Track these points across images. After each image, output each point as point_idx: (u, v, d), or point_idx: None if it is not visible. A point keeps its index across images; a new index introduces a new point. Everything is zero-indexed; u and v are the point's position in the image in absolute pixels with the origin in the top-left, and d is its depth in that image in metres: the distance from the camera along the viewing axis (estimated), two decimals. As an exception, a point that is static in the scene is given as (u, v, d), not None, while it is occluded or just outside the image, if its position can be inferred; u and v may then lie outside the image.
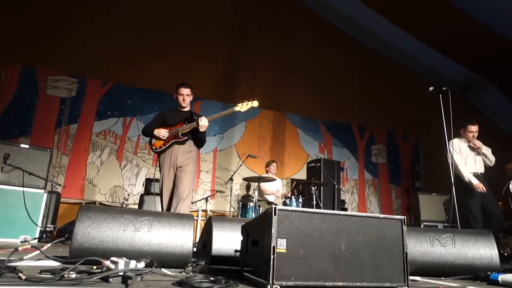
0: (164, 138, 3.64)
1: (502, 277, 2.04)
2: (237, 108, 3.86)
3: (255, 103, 3.90)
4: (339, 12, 6.99)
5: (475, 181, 4.16)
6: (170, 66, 6.55)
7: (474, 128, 4.37)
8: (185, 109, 3.86)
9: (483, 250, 2.40)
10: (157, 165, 3.79)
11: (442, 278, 2.29)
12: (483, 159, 4.47)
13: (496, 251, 2.41)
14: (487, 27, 5.99)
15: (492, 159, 4.44)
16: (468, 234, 2.49)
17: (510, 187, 5.01)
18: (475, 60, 6.82)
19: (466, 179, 4.19)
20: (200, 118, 3.60)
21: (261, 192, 5.88)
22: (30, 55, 5.79)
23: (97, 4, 6.28)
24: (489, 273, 2.13)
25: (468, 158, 4.40)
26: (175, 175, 3.63)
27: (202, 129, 3.64)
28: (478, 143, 4.36)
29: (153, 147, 3.71)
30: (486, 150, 4.42)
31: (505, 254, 4.53)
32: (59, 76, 6.15)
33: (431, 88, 3.79)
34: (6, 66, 5.78)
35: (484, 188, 4.11)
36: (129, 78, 6.45)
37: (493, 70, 6.78)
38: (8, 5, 5.72)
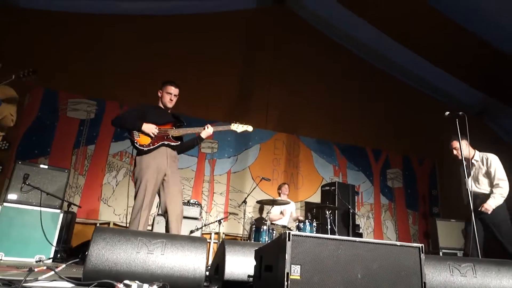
0: (153, 136, 3.27)
1: (527, 311, 1.95)
2: (232, 127, 3.69)
3: (250, 128, 3.75)
4: (354, 38, 7.09)
5: None
6: (185, 89, 6.64)
7: (453, 145, 4.11)
8: (169, 111, 3.58)
9: (506, 281, 2.30)
10: (133, 165, 3.31)
11: (463, 309, 2.20)
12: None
13: (520, 282, 2.31)
14: (501, 50, 5.96)
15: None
16: (489, 264, 2.39)
17: None
18: (492, 84, 6.75)
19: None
20: (206, 126, 3.50)
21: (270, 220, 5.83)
22: (52, 78, 6.00)
23: (115, 28, 6.54)
24: (513, 306, 2.04)
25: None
26: (162, 182, 3.25)
27: (204, 136, 3.47)
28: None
29: (138, 144, 3.23)
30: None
31: None
32: (79, 99, 6.35)
33: (447, 113, 3.75)
34: (30, 89, 6.01)
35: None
36: (146, 101, 6.57)
37: (509, 93, 6.69)
38: (30, 30, 6.02)
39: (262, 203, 5.80)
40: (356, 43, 7.46)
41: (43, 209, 4.09)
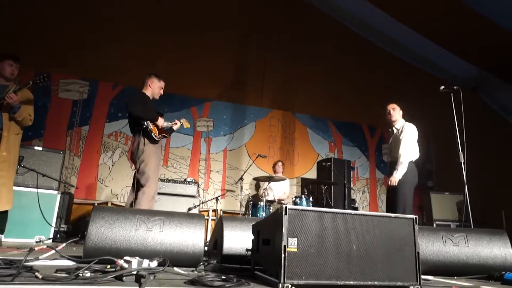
0: (159, 129, 3.60)
1: (517, 277, 2.01)
2: (184, 125, 4.00)
3: (188, 125, 4.13)
4: (350, 13, 6.95)
5: None
6: (179, 67, 6.59)
7: (388, 106, 4.38)
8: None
9: (496, 250, 2.37)
10: (138, 152, 3.46)
11: (455, 277, 2.27)
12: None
13: (511, 251, 2.38)
14: (497, 24, 5.89)
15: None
16: (481, 233, 2.46)
17: None
18: (488, 58, 6.72)
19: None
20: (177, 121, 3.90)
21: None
22: (43, 60, 5.87)
23: (107, 9, 6.35)
24: (503, 272, 2.10)
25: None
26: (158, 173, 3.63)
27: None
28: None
29: (154, 134, 3.49)
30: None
31: None
32: (71, 79, 6.26)
33: (442, 87, 3.76)
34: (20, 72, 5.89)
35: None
36: (139, 80, 6.49)
37: (505, 68, 6.67)
38: (20, 12, 5.83)
39: (258, 180, 5.84)
40: (352, 19, 7.32)
41: (40, 190, 4.09)
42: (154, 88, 3.75)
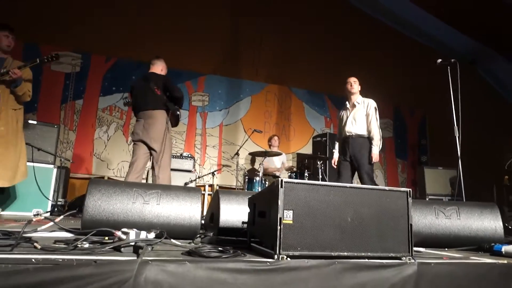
0: None
1: (505, 248, 2.07)
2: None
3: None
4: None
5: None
6: (173, 40, 6.46)
7: (350, 79, 4.36)
8: None
9: (487, 222, 2.43)
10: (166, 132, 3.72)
11: (446, 249, 2.33)
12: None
13: (501, 223, 2.43)
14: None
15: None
16: (473, 207, 2.50)
17: None
18: (485, 32, 6.63)
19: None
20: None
21: (265, 170, 5.93)
22: (31, 32, 5.72)
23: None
24: (492, 244, 2.16)
25: (344, 122, 4.30)
26: None
27: None
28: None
29: (180, 116, 3.88)
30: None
31: (510, 227, 4.57)
32: (62, 52, 6.11)
33: (439, 60, 3.73)
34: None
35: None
36: (133, 53, 6.39)
37: (502, 41, 6.60)
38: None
39: (254, 155, 5.86)
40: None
41: (36, 164, 4.09)
42: (164, 71, 4.06)
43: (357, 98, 4.25)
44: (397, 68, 7.90)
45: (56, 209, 4.32)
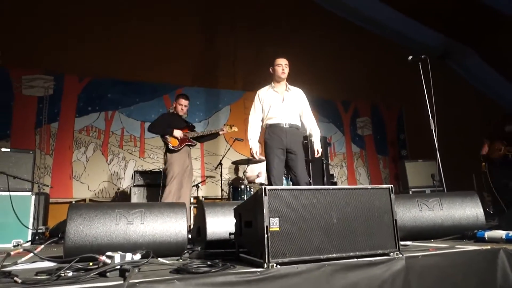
0: (179, 139, 4.27)
1: (488, 234, 2.13)
2: (225, 129, 4.64)
3: (235, 129, 4.70)
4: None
5: (251, 145, 3.66)
6: (148, 55, 6.41)
7: (282, 61, 3.72)
8: (183, 116, 4.60)
9: (469, 210, 2.49)
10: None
11: (432, 240, 2.37)
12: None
13: (481, 210, 2.50)
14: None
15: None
16: (454, 196, 2.57)
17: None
18: (453, 26, 6.86)
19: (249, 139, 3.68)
20: (221, 129, 4.67)
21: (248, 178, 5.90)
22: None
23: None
24: (475, 231, 2.21)
25: (272, 108, 3.64)
26: (187, 174, 4.30)
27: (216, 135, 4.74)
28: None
29: (170, 145, 4.24)
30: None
31: (491, 212, 4.71)
32: (34, 75, 5.97)
33: (410, 57, 3.83)
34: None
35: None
36: (108, 71, 6.30)
37: (471, 36, 6.85)
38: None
39: (237, 164, 5.85)
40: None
41: (12, 193, 3.95)
42: (176, 107, 4.53)
43: (288, 85, 3.82)
44: (371, 66, 8.08)
45: (37, 237, 4.18)
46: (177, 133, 4.32)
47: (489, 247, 1.83)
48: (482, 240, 2.13)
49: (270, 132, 3.59)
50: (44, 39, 5.85)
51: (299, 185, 3.37)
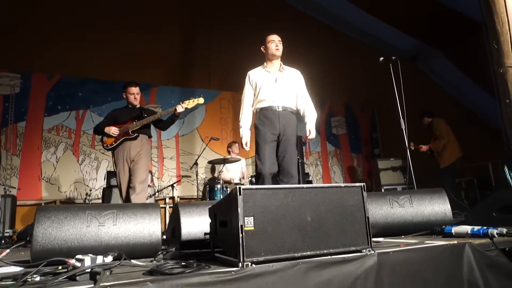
0: (115, 135, 3.86)
1: (455, 229, 2.21)
2: (184, 105, 3.91)
3: (201, 100, 4.02)
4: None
5: (243, 133, 3.21)
6: (121, 53, 6.26)
7: (275, 37, 3.40)
8: (136, 107, 4.10)
9: (437, 207, 2.58)
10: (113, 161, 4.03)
11: (403, 236, 2.44)
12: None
13: (449, 206, 2.60)
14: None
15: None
16: (423, 193, 2.65)
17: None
18: (423, 29, 7.09)
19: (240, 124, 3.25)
20: (175, 108, 3.86)
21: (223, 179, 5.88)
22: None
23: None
24: (443, 227, 2.30)
25: (263, 89, 3.26)
26: (129, 169, 3.86)
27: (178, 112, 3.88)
28: None
29: (104, 145, 3.95)
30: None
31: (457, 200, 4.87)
32: (-1, 73, 5.72)
33: (382, 59, 3.93)
34: None
35: None
36: (78, 70, 6.11)
37: (439, 38, 7.09)
38: None
39: (213, 163, 5.82)
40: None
41: (-24, 195, 3.77)
42: (127, 97, 4.05)
43: (282, 64, 3.50)
44: (344, 67, 8.21)
45: (3, 241, 4.01)
46: (108, 130, 3.85)
47: (455, 242, 1.90)
48: (449, 235, 2.21)
49: (261, 117, 3.18)
50: (11, 36, 5.60)
51: (284, 173, 3.09)
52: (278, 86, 3.26)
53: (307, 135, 3.27)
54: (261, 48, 3.45)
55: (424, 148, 5.67)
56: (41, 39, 5.76)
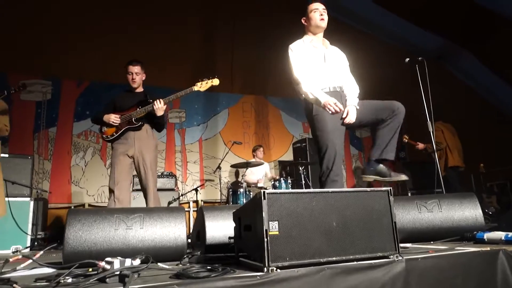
0: (116, 124, 3.28)
1: (487, 235, 2.13)
2: (196, 88, 3.45)
3: (216, 81, 3.55)
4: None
5: (323, 98, 2.60)
6: (146, 57, 6.37)
7: (318, 5, 2.87)
8: (138, 90, 3.51)
9: (468, 212, 2.49)
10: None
11: (432, 242, 2.37)
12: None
13: (480, 211, 2.50)
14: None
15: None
16: (453, 198, 2.57)
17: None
18: (449, 27, 6.89)
19: (310, 96, 2.71)
20: (155, 101, 3.22)
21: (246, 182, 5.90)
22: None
23: (62, 2, 6.04)
24: (475, 232, 2.21)
25: (314, 66, 2.79)
26: (136, 165, 3.30)
27: (159, 113, 3.23)
28: None
29: (104, 135, 3.34)
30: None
31: (490, 213, 4.71)
32: (31, 80, 5.97)
33: (407, 60, 3.84)
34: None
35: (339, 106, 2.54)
36: (105, 75, 6.30)
37: (466, 37, 6.87)
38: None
39: (236, 167, 5.85)
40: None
41: (11, 199, 3.93)
42: (127, 78, 3.50)
43: (326, 41, 3.06)
44: (368, 68, 8.05)
45: (36, 243, 4.16)
46: (108, 118, 3.30)
47: (488, 249, 1.83)
48: (481, 241, 2.13)
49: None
50: (42, 44, 5.85)
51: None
52: (327, 66, 2.80)
53: (344, 116, 2.66)
54: (302, 20, 2.97)
55: (420, 146, 5.49)
56: (70, 47, 5.98)
